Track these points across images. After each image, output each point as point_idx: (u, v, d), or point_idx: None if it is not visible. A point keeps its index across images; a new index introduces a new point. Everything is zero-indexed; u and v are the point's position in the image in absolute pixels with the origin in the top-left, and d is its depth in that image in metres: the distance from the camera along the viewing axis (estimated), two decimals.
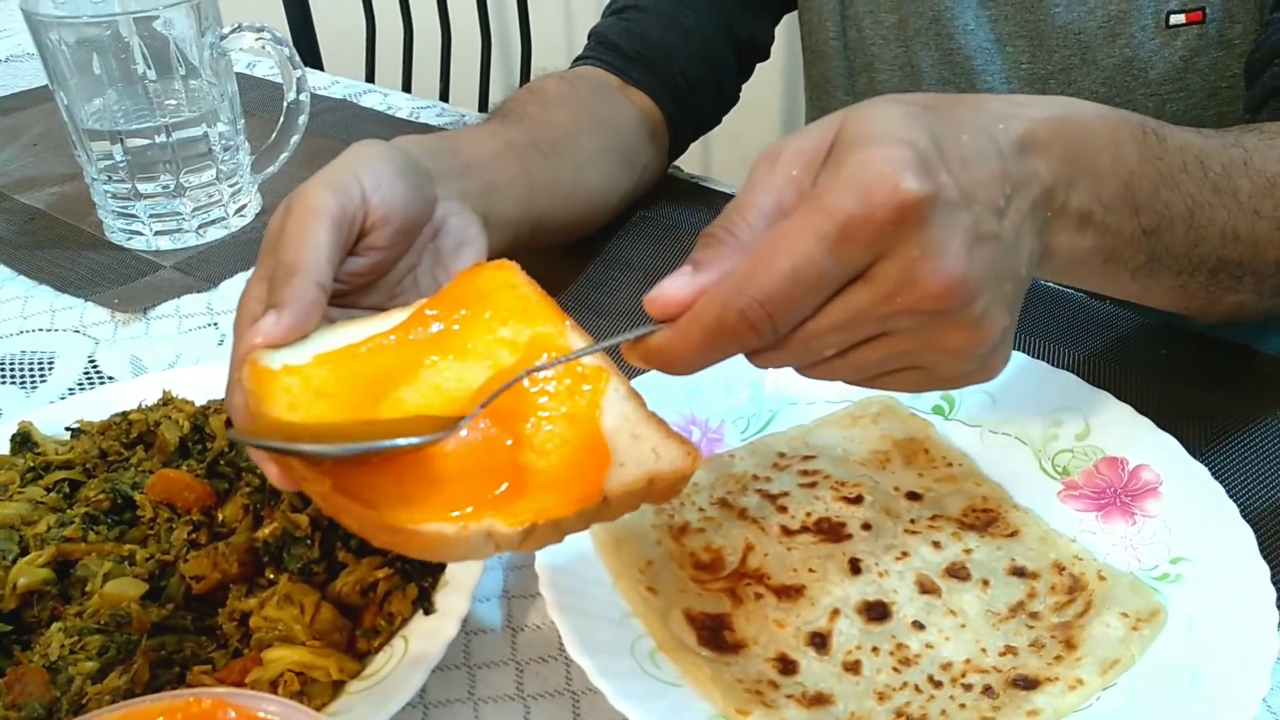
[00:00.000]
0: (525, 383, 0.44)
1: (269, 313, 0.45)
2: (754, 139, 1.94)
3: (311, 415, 0.43)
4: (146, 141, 0.83)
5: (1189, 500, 0.54)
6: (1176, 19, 0.79)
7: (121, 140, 0.83)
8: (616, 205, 0.83)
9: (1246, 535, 0.51)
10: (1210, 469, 0.55)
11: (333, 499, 0.39)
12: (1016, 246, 0.43)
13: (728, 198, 0.89)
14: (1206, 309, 0.60)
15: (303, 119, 0.88)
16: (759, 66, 0.97)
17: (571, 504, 0.40)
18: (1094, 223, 0.48)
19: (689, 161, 0.97)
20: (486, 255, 0.59)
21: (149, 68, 0.81)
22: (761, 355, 0.42)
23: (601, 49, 0.88)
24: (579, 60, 0.90)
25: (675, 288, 0.40)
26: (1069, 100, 0.49)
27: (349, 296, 0.54)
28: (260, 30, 0.84)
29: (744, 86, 0.96)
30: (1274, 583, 0.48)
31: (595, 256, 0.83)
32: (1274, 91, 0.70)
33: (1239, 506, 0.52)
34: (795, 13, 1.02)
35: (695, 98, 0.89)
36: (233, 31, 0.84)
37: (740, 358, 0.63)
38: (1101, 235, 0.49)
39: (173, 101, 0.84)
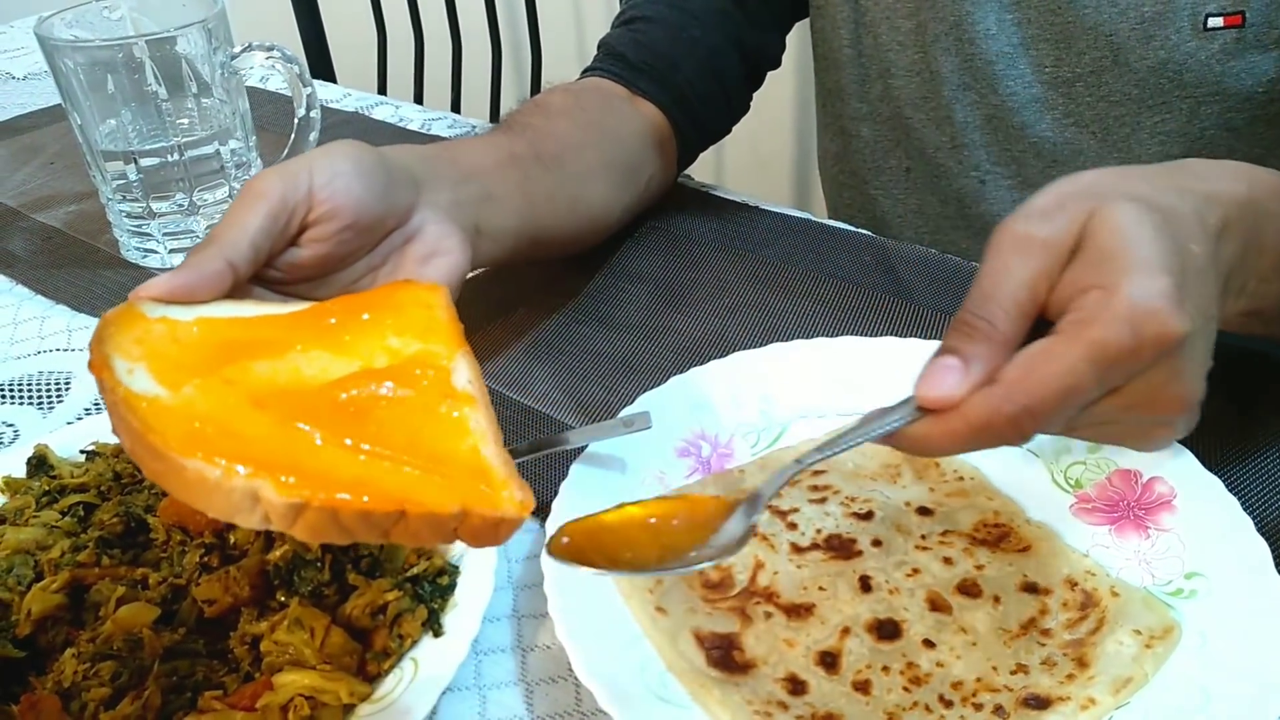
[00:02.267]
0: (384, 387, 0.43)
1: (168, 273, 0.47)
2: (766, 146, 1.95)
3: (152, 352, 0.42)
4: (160, 161, 0.84)
5: (1203, 514, 0.53)
6: (1215, 21, 0.78)
7: (135, 160, 0.83)
8: (619, 219, 0.83)
9: (1262, 550, 0.50)
10: (1225, 481, 0.54)
11: (119, 409, 0.38)
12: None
13: (738, 206, 0.91)
14: None
15: (313, 135, 0.88)
16: (770, 75, 0.97)
17: (359, 500, 0.37)
18: (1247, 292, 0.50)
19: (702, 168, 0.97)
20: (465, 267, 0.60)
21: (160, 86, 0.82)
22: None
23: (609, 60, 0.88)
24: (588, 71, 0.90)
25: (949, 387, 0.41)
26: (1251, 172, 0.50)
27: (296, 286, 0.55)
28: (270, 49, 0.84)
29: (756, 94, 0.96)
30: None
31: (603, 267, 0.83)
32: None
33: (1254, 520, 0.52)
34: (807, 20, 1.02)
35: (703, 108, 0.89)
36: (243, 51, 0.84)
37: (748, 372, 0.64)
38: (1250, 300, 0.51)
39: (185, 120, 0.85)
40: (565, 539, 0.42)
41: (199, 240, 0.87)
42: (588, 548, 0.42)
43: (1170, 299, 0.40)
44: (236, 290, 0.50)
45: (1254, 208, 0.48)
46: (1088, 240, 0.42)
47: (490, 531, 0.40)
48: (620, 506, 0.44)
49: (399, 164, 0.59)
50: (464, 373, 0.46)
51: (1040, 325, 0.42)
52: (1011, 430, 0.40)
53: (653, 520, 0.43)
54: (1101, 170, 0.46)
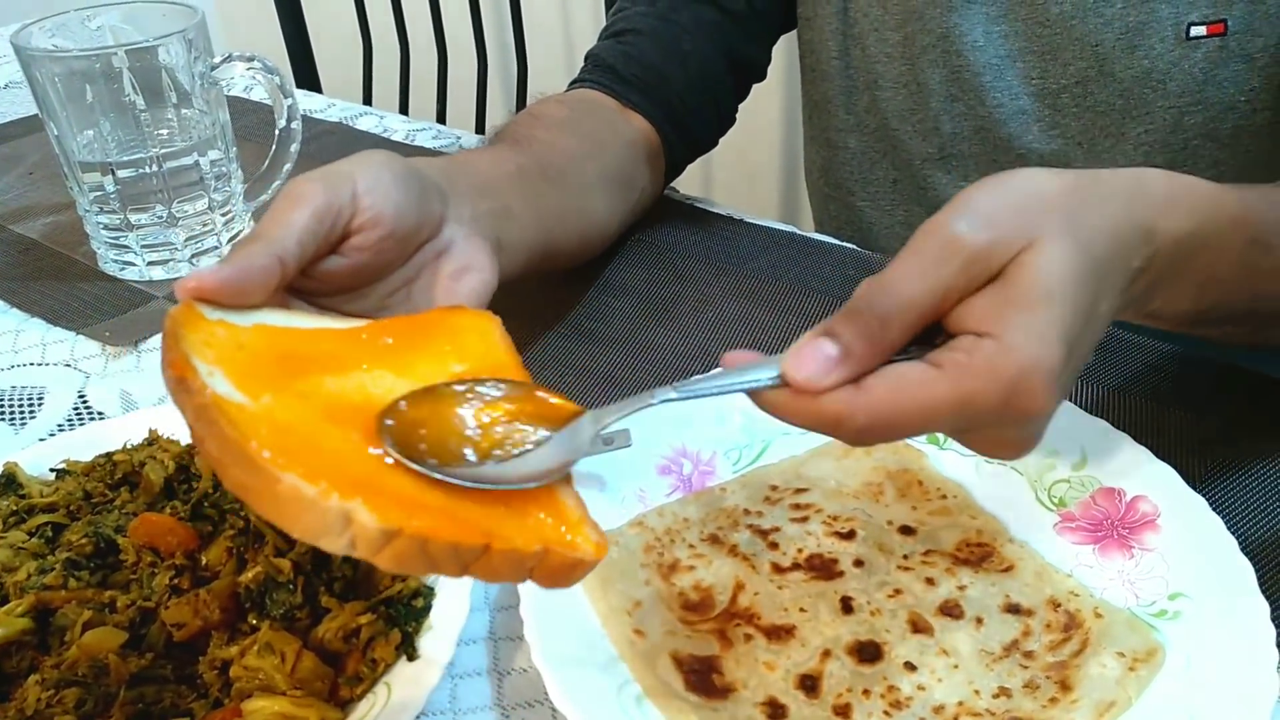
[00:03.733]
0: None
1: (215, 266, 0.46)
2: (753, 159, 1.94)
3: (224, 357, 0.41)
4: (138, 172, 0.83)
5: (1187, 533, 0.53)
6: (1197, 31, 0.78)
7: (113, 171, 0.82)
8: (615, 231, 0.83)
9: (1246, 570, 0.50)
10: (1209, 499, 0.54)
11: (210, 412, 0.37)
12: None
13: (723, 219, 0.91)
14: (1254, 344, 0.61)
15: (294, 146, 0.87)
16: (757, 86, 0.97)
17: (449, 531, 0.36)
18: (1147, 310, 0.50)
19: (689, 181, 0.97)
20: (494, 283, 0.58)
21: (138, 96, 0.81)
22: None
23: (599, 72, 0.88)
24: (576, 83, 0.89)
25: (817, 375, 0.40)
26: (1209, 202, 0.49)
27: (333, 298, 0.53)
28: (251, 60, 0.83)
29: (743, 106, 0.95)
30: (1274, 620, 0.47)
31: (590, 282, 0.82)
32: None
33: (1238, 539, 0.51)
34: (794, 31, 1.01)
35: (693, 121, 0.89)
36: (223, 61, 0.83)
37: None
38: (1150, 314, 0.51)
39: (164, 131, 0.84)
40: (404, 405, 0.41)
41: (178, 252, 0.86)
42: (418, 426, 0.40)
43: (1050, 379, 0.40)
44: (278, 294, 0.48)
45: (1190, 243, 0.48)
46: (1012, 275, 0.41)
47: (565, 572, 0.38)
48: (464, 384, 0.43)
49: (427, 175, 0.58)
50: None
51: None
52: (854, 436, 0.41)
53: (487, 416, 0.42)
54: (1061, 181, 0.44)
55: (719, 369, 0.43)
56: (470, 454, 0.40)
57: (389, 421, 0.40)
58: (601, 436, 0.59)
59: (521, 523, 0.39)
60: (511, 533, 0.38)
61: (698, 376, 0.43)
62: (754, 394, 0.41)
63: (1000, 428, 0.42)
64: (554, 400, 0.43)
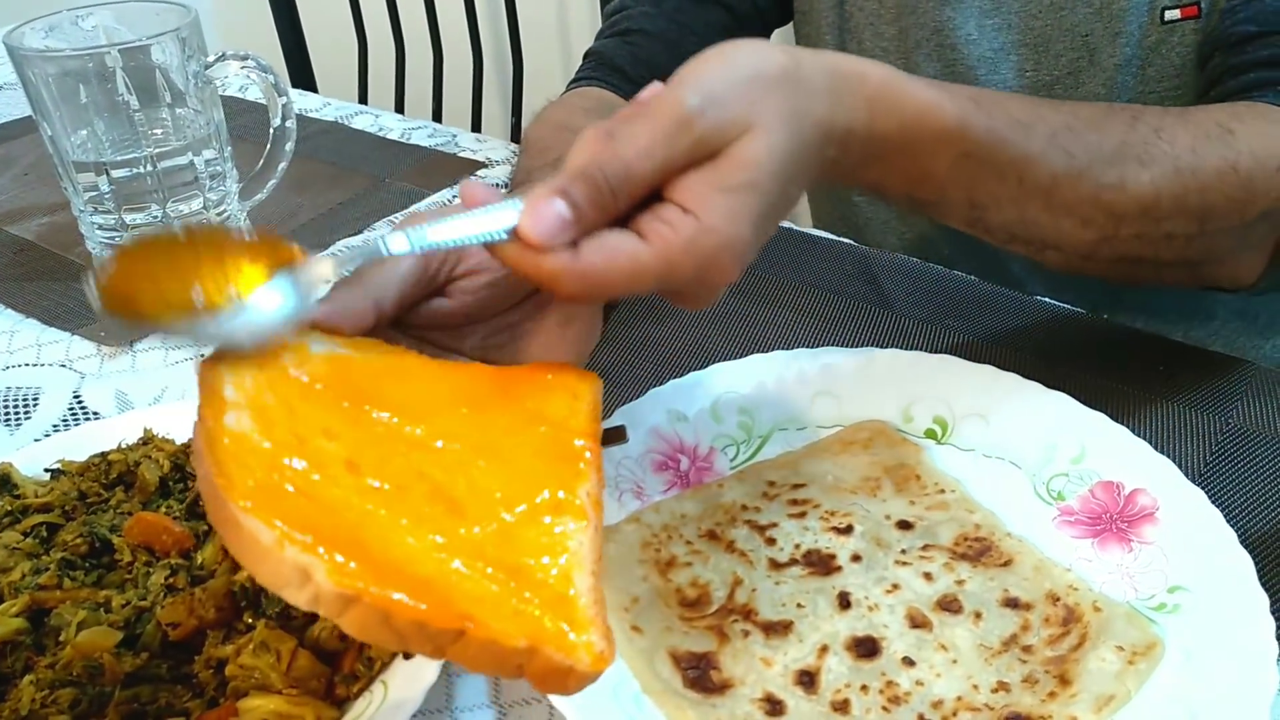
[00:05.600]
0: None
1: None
2: None
3: (269, 380, 0.40)
4: (132, 172, 0.83)
5: (1186, 526, 0.53)
6: (1171, 14, 0.78)
7: (107, 171, 0.82)
8: None
9: (1245, 563, 0.50)
10: (1208, 492, 0.53)
11: (199, 442, 0.36)
12: None
13: None
14: (1034, 258, 0.62)
15: (289, 145, 0.87)
16: None
17: (415, 608, 0.33)
18: (868, 182, 0.55)
19: None
20: (596, 334, 0.55)
21: (132, 96, 0.80)
22: None
23: (604, 70, 0.87)
24: (578, 81, 0.89)
25: (547, 235, 0.42)
26: (925, 115, 0.51)
27: (433, 333, 0.52)
28: (245, 58, 0.83)
29: None
30: (1273, 613, 0.47)
31: None
32: (1213, 83, 0.71)
33: (1237, 532, 0.51)
34: (789, 26, 1.01)
35: None
36: (218, 60, 0.83)
37: (728, 384, 0.63)
38: (875, 189, 0.55)
39: (159, 131, 0.84)
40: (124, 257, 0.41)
41: None
42: (137, 280, 0.40)
43: (738, 258, 0.44)
44: (379, 332, 0.47)
45: (891, 143, 0.51)
46: (725, 160, 0.44)
47: (558, 678, 0.35)
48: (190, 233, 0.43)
49: None
50: (585, 484, 0.42)
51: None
52: (565, 292, 0.44)
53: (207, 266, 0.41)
54: (781, 61, 0.47)
55: (458, 206, 0.44)
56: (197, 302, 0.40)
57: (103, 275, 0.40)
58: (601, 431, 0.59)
59: (515, 610, 0.35)
60: (495, 620, 0.34)
61: (430, 222, 0.43)
62: (492, 246, 0.44)
63: (692, 291, 0.46)
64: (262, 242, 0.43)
